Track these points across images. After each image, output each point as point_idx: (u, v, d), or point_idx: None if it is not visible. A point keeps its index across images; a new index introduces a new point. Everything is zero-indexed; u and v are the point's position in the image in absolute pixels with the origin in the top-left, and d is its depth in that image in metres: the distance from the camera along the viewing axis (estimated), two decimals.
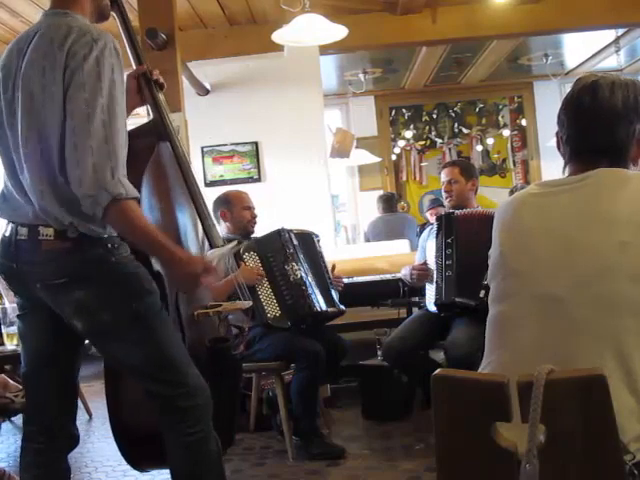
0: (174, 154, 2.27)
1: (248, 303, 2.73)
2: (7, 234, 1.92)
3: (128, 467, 2.24)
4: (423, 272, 3.75)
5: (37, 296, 1.92)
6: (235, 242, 2.62)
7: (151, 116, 2.26)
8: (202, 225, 2.28)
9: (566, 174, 1.59)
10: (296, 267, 3.64)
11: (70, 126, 1.78)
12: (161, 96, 2.26)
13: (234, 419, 2.67)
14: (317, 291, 3.66)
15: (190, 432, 1.96)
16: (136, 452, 2.19)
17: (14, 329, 4.08)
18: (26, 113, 1.83)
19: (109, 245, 1.90)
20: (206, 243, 2.36)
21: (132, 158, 1.96)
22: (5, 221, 1.97)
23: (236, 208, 3.88)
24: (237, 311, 3.27)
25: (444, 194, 3.86)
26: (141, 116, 2.31)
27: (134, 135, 2.07)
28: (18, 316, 2.06)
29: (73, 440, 2.10)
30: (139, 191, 2.04)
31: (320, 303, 3.64)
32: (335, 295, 3.79)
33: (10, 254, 1.91)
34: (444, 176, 3.86)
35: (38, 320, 2.00)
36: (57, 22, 1.88)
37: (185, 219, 2.30)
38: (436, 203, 6.97)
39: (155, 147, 2.18)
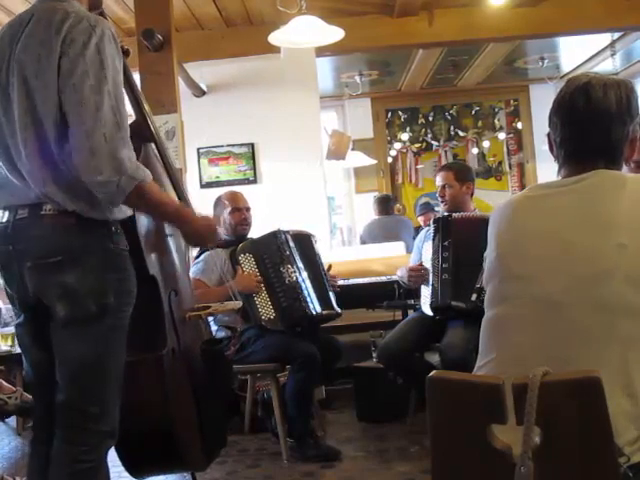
0: (159, 155, 2.26)
1: (238, 304, 2.71)
2: (3, 220, 1.86)
3: (123, 469, 2.23)
4: (420, 273, 3.74)
5: (30, 297, 1.87)
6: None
7: (134, 117, 2.24)
8: None
9: (561, 176, 1.59)
10: (292, 269, 3.61)
11: (78, 114, 1.75)
12: (144, 101, 2.25)
13: (226, 421, 2.66)
14: (313, 294, 3.64)
15: (83, 459, 1.82)
16: (134, 458, 2.17)
17: (9, 330, 4.08)
18: (23, 98, 1.80)
19: (113, 228, 1.89)
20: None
21: None
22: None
23: (225, 211, 3.86)
24: (227, 312, 3.26)
25: (439, 198, 3.87)
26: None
27: None
28: (16, 325, 2.01)
29: None
30: None
31: (315, 306, 3.62)
32: (333, 297, 3.77)
33: (7, 237, 1.85)
34: (439, 180, 3.86)
35: (35, 331, 1.95)
36: (53, 6, 1.84)
37: None
38: (426, 208, 6.97)
39: (141, 150, 2.15)
